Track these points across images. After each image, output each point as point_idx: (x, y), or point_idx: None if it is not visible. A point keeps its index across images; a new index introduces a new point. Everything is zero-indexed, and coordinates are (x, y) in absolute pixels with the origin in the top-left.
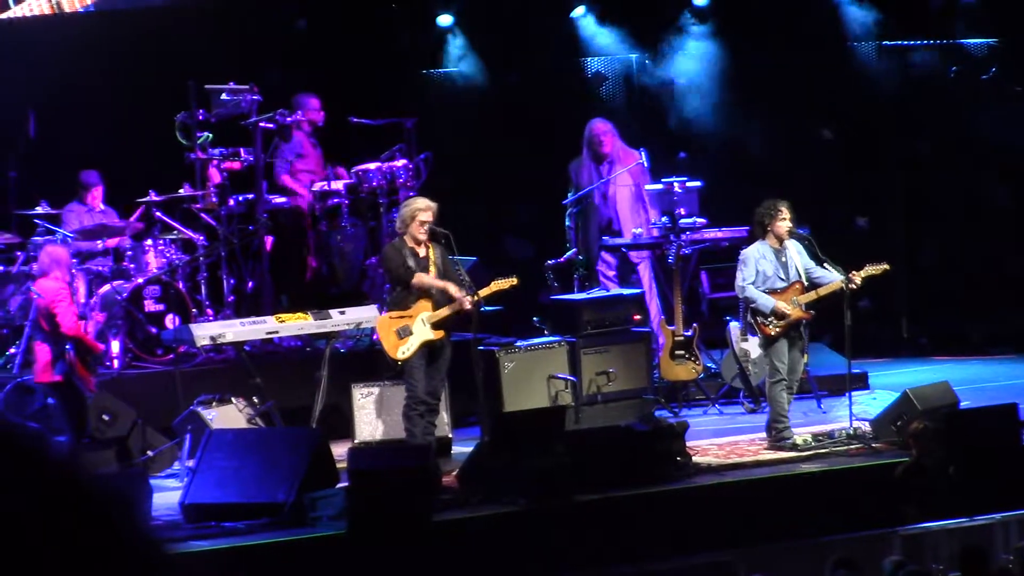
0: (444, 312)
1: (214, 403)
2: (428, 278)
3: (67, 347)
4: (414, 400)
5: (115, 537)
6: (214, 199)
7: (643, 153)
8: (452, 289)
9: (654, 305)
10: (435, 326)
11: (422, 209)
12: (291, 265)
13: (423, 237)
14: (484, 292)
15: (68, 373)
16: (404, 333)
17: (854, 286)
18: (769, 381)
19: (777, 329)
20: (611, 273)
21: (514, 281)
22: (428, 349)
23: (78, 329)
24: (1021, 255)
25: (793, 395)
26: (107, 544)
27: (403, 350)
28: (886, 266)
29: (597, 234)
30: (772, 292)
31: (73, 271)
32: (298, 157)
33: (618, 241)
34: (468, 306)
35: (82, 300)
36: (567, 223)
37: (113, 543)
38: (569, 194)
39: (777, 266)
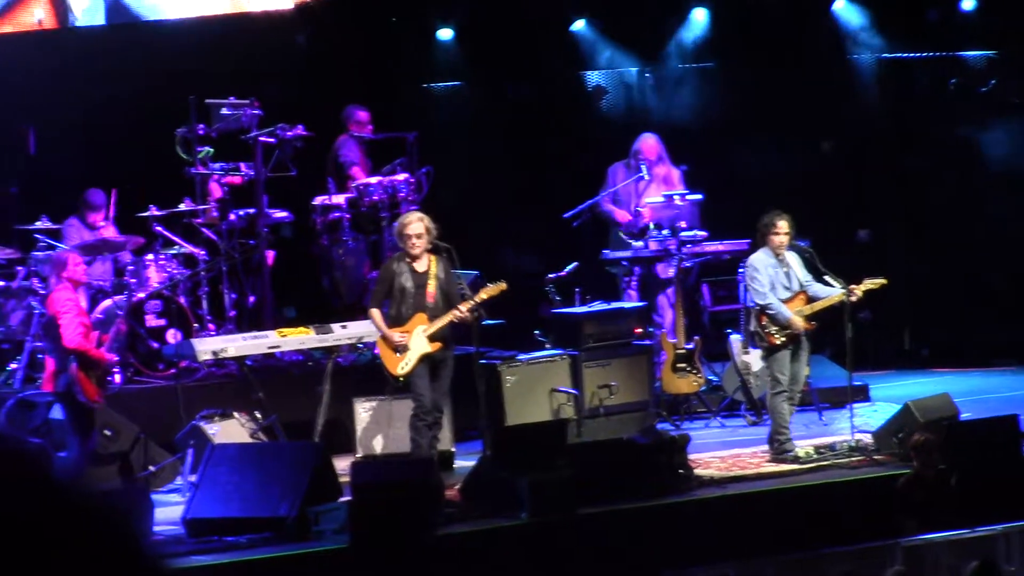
0: (440, 323)
1: (216, 418)
2: (377, 318)
3: (70, 360)
4: (422, 410)
5: (115, 554)
6: (215, 214)
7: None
8: (396, 338)
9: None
10: (432, 338)
11: (408, 224)
12: (299, 278)
13: (416, 252)
14: (471, 301)
15: (69, 385)
16: (402, 349)
17: (855, 298)
18: (770, 393)
19: (783, 339)
20: (633, 283)
21: (503, 286)
22: (430, 362)
23: (80, 343)
24: (1021, 266)
25: (795, 407)
26: (107, 561)
27: (402, 365)
28: (883, 280)
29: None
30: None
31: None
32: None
33: (618, 254)
34: (460, 315)
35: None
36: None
37: (113, 560)
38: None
39: (781, 275)
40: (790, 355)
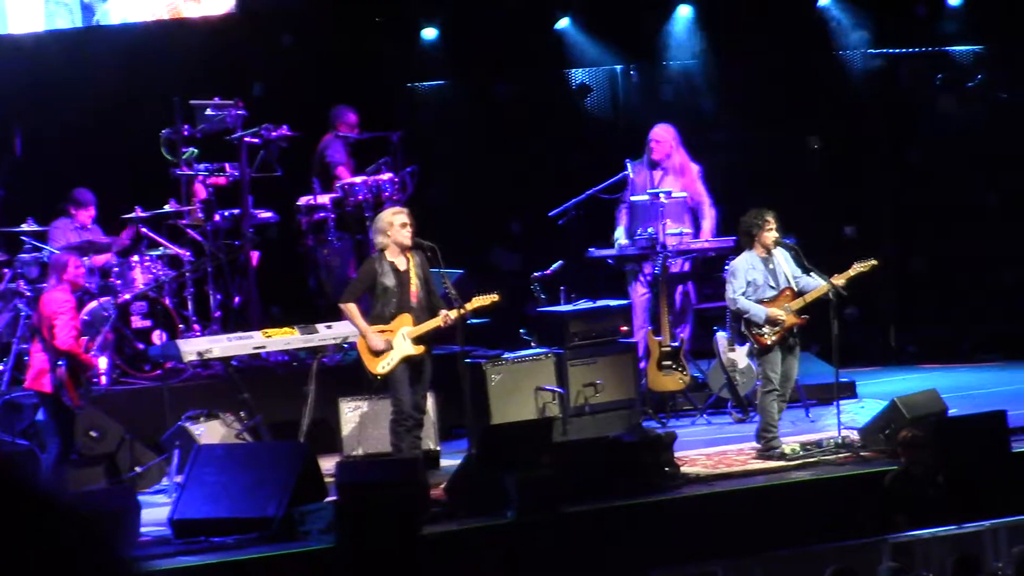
0: (425, 327)
1: (202, 418)
2: (354, 313)
3: (60, 362)
4: (401, 415)
5: (91, 561)
6: (200, 215)
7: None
8: (379, 343)
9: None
10: (416, 341)
11: (396, 214)
12: (284, 278)
13: (409, 241)
14: (460, 310)
15: (57, 387)
16: (385, 350)
17: (843, 282)
18: (761, 390)
19: (773, 338)
20: (646, 280)
21: (495, 297)
22: (410, 363)
23: (72, 345)
24: (1009, 262)
25: (785, 405)
26: (83, 569)
27: (383, 365)
28: (874, 261)
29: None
30: (763, 301)
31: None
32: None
33: (604, 252)
34: (449, 321)
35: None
36: (617, 219)
37: (89, 567)
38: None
39: (766, 274)
40: (782, 352)
